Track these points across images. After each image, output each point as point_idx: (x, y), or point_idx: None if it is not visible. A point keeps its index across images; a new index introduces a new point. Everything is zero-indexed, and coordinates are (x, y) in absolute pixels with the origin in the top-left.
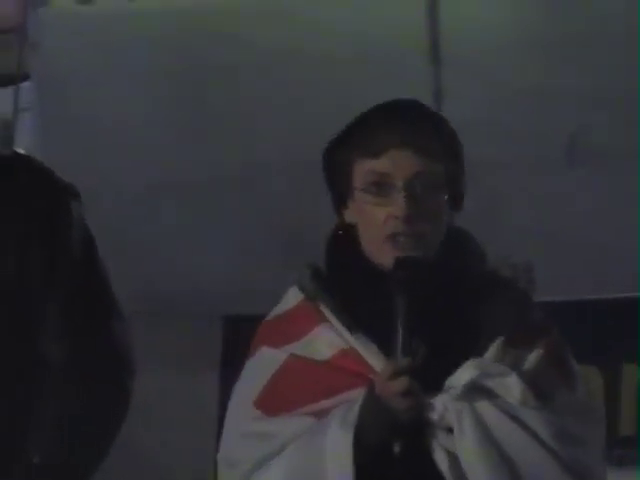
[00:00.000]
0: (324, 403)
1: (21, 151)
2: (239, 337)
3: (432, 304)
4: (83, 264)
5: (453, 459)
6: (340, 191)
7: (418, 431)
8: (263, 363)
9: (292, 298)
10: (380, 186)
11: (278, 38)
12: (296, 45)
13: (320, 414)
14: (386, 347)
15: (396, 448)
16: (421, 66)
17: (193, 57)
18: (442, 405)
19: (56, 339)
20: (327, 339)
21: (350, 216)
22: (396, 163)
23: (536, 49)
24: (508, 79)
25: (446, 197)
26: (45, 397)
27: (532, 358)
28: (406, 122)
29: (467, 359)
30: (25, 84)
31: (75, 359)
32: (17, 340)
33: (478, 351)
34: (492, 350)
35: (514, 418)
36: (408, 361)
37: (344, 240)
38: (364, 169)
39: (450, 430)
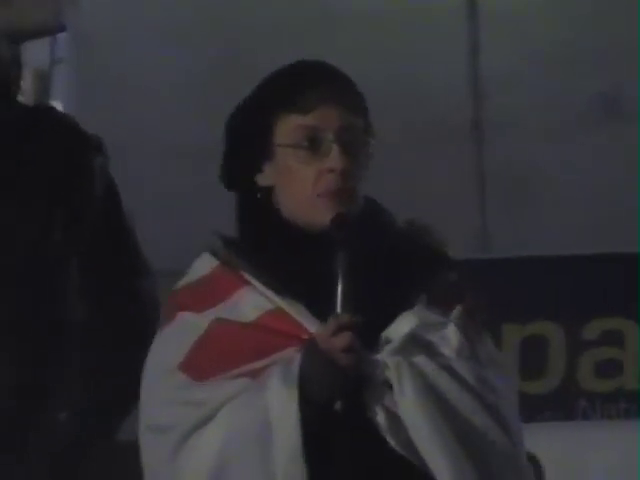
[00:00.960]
0: (255, 364)
1: (47, 103)
2: None
3: (363, 262)
4: (107, 218)
5: (392, 416)
6: (254, 154)
7: (358, 387)
8: (184, 328)
9: (206, 264)
10: (311, 140)
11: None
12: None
13: (252, 375)
14: (313, 307)
15: (337, 405)
16: (457, 21)
17: (229, 16)
18: (381, 360)
19: (82, 296)
20: (251, 301)
21: (265, 179)
22: (325, 118)
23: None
24: (541, 37)
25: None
26: (72, 353)
27: (455, 313)
28: (330, 79)
29: (398, 313)
30: (61, 35)
31: (102, 316)
32: (43, 297)
33: (405, 306)
34: (419, 306)
35: (450, 371)
36: (351, 317)
37: (258, 204)
38: (291, 125)
39: (390, 385)
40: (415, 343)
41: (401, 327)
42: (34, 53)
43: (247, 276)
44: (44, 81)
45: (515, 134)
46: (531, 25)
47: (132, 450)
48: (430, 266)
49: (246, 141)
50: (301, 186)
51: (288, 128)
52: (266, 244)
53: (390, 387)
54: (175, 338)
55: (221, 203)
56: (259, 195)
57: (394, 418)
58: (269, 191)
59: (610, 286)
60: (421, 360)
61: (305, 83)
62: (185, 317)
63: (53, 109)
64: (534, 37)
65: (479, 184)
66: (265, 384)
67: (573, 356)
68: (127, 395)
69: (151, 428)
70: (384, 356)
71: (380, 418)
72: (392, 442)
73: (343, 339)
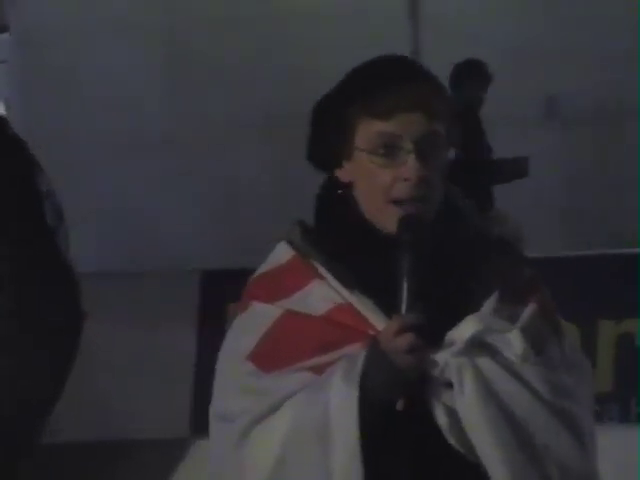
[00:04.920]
0: (321, 358)
1: None
2: (216, 291)
3: (432, 262)
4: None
5: (453, 415)
6: (336, 149)
7: (421, 387)
8: (256, 318)
9: (283, 254)
10: (388, 148)
11: None
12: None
13: (317, 369)
14: (382, 304)
15: (399, 405)
16: (400, 25)
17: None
18: (444, 361)
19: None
20: (322, 294)
21: (344, 175)
22: (405, 125)
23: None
24: (489, 39)
25: (447, 157)
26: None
27: (526, 314)
28: (413, 83)
29: (464, 315)
30: (2, 36)
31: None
32: None
33: (474, 308)
34: (488, 306)
35: (514, 374)
36: (414, 317)
37: (338, 199)
38: (371, 130)
39: (451, 386)
40: (478, 345)
41: (466, 329)
42: None
43: (320, 268)
44: None
45: None
46: (472, 27)
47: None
48: (502, 262)
49: (328, 137)
50: (375, 191)
51: (367, 133)
52: (342, 238)
53: (452, 387)
54: (247, 327)
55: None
56: (340, 191)
57: (455, 418)
58: (349, 186)
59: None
60: (483, 361)
61: (388, 86)
62: (257, 307)
63: None
64: (475, 39)
65: None
66: (328, 381)
67: None
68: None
69: (218, 416)
70: (447, 357)
71: (441, 418)
72: (452, 441)
73: (405, 340)
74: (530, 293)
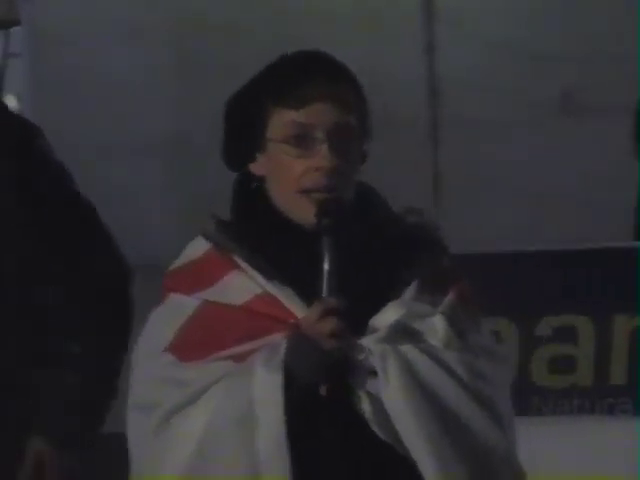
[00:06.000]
0: (242, 347)
1: None
2: None
3: (351, 249)
4: (54, 199)
5: (377, 404)
6: (249, 142)
7: (344, 373)
8: (174, 310)
9: (198, 247)
10: (301, 138)
11: None
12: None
13: (238, 358)
14: (302, 294)
15: (322, 390)
16: (414, 21)
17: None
18: (367, 347)
19: (48, 283)
20: (241, 284)
21: (258, 169)
22: (317, 115)
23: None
24: (501, 37)
25: (360, 149)
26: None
27: (447, 301)
28: (326, 74)
29: (386, 301)
30: (16, 29)
31: (74, 296)
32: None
33: (395, 294)
34: (409, 292)
35: (437, 361)
36: (336, 301)
37: (252, 192)
38: (283, 120)
39: (375, 373)
40: (402, 332)
41: (389, 315)
42: None
43: (238, 260)
44: None
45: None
46: (487, 24)
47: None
48: (422, 251)
49: (240, 131)
50: (288, 181)
51: (280, 123)
52: (258, 230)
53: (376, 374)
54: (165, 319)
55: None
56: (254, 185)
57: (378, 405)
58: (263, 180)
59: (563, 283)
60: (407, 348)
61: (300, 77)
62: (175, 298)
63: None
64: (489, 35)
65: (435, 182)
66: (250, 368)
67: (527, 352)
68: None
69: (137, 406)
70: (370, 343)
71: (365, 404)
72: (376, 429)
73: (328, 323)
74: (450, 282)
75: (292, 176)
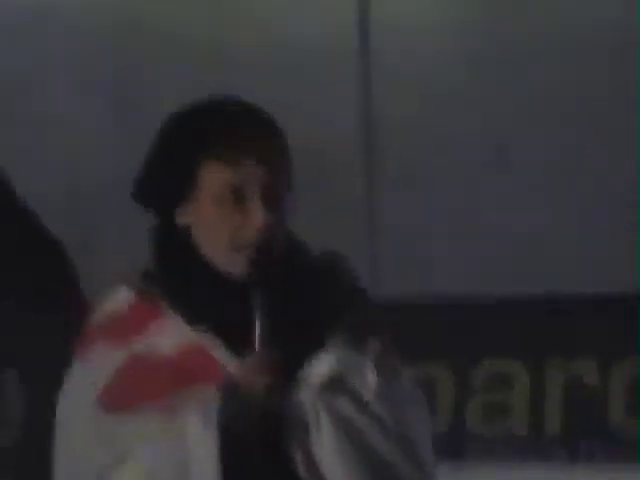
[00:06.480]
0: (172, 399)
1: None
2: None
3: (280, 300)
4: None
5: (310, 457)
6: (176, 190)
7: (278, 426)
8: (99, 362)
9: (123, 297)
10: (235, 195)
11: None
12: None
13: (166, 410)
14: (230, 344)
15: (256, 445)
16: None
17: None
18: (300, 400)
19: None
20: (168, 335)
21: (184, 218)
22: (251, 172)
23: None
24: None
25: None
26: None
27: (374, 350)
28: (258, 128)
29: (315, 351)
30: None
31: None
32: None
33: (323, 344)
34: (338, 342)
35: (369, 413)
36: (272, 354)
37: (177, 241)
38: (216, 177)
39: (307, 425)
40: (333, 384)
41: (319, 367)
42: None
43: (165, 309)
44: None
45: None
46: (422, 66)
47: None
48: (346, 301)
49: (167, 178)
50: (220, 236)
51: (213, 180)
52: (186, 279)
53: (308, 427)
54: (90, 372)
55: None
56: (179, 232)
57: (312, 459)
58: (188, 229)
59: (501, 327)
60: (340, 402)
61: (232, 132)
62: (100, 350)
63: None
64: (425, 79)
65: (370, 229)
66: (182, 424)
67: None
68: None
69: (68, 464)
70: (302, 397)
71: (298, 459)
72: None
73: (264, 377)
74: (373, 330)
75: (226, 231)
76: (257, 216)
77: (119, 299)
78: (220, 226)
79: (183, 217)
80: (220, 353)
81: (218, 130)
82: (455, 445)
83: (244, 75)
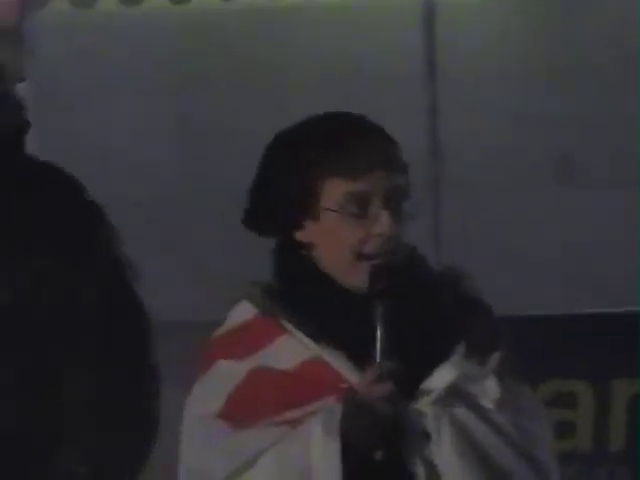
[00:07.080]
0: (294, 413)
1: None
2: None
3: (402, 311)
4: (114, 294)
5: (430, 467)
6: (296, 213)
7: (399, 437)
8: (222, 376)
9: (245, 312)
10: (360, 206)
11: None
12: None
13: (290, 424)
14: (352, 357)
15: (377, 455)
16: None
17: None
18: (421, 410)
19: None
20: (290, 349)
21: (306, 236)
22: (374, 182)
23: (523, 77)
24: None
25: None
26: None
27: (494, 361)
28: (376, 140)
29: (437, 363)
30: (20, 86)
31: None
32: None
33: (445, 355)
34: (459, 353)
35: (490, 423)
36: (391, 365)
37: (299, 259)
38: (339, 191)
39: (428, 436)
40: (455, 394)
41: (441, 378)
42: None
43: (286, 324)
44: None
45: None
46: (488, 86)
47: None
48: (467, 314)
49: (288, 200)
50: (344, 248)
51: (336, 193)
52: (308, 296)
53: (429, 437)
54: (214, 386)
55: None
56: (302, 251)
57: (432, 469)
58: (309, 247)
59: (565, 347)
60: (460, 412)
61: (352, 146)
62: (223, 365)
63: (60, 169)
64: (490, 98)
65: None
66: (305, 434)
67: None
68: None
69: (190, 473)
70: (423, 406)
71: (419, 468)
72: None
73: (384, 388)
74: (495, 342)
75: (351, 244)
76: (383, 224)
77: (242, 314)
78: (345, 237)
79: (306, 236)
80: (342, 366)
81: (335, 145)
82: None
83: (307, 99)
